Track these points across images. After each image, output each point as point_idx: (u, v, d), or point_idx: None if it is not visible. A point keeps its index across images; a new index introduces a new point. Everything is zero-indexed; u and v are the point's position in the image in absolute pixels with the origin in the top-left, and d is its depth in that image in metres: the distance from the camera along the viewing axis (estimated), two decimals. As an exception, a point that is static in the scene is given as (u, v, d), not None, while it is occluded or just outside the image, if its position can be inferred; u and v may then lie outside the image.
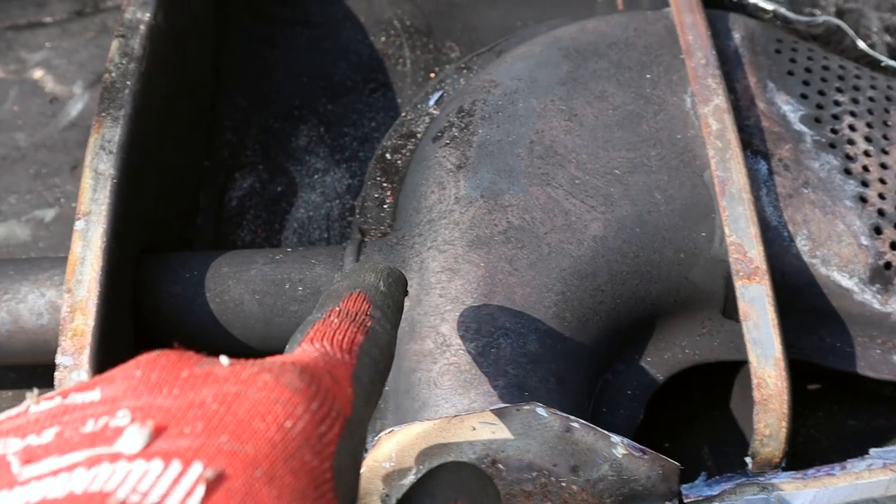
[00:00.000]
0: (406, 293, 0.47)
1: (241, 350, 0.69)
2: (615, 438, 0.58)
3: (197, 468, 0.28)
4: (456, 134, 0.73)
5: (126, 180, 0.67)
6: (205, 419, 0.30)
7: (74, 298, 0.62)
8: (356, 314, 0.41)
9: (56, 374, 0.61)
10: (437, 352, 0.64)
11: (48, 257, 0.71)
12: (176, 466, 0.28)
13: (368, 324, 0.41)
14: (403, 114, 0.81)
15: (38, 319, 0.67)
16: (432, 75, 0.96)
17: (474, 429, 0.58)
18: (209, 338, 0.69)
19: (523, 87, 0.74)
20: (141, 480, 0.27)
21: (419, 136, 0.79)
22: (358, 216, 0.75)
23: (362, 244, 0.70)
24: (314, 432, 0.32)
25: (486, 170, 0.70)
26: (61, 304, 0.67)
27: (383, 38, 0.98)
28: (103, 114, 0.69)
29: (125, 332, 0.67)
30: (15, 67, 0.97)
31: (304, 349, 0.38)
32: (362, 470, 0.59)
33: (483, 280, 0.65)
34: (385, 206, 0.76)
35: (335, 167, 0.90)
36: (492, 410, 0.59)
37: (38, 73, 0.97)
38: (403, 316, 0.67)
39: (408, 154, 0.78)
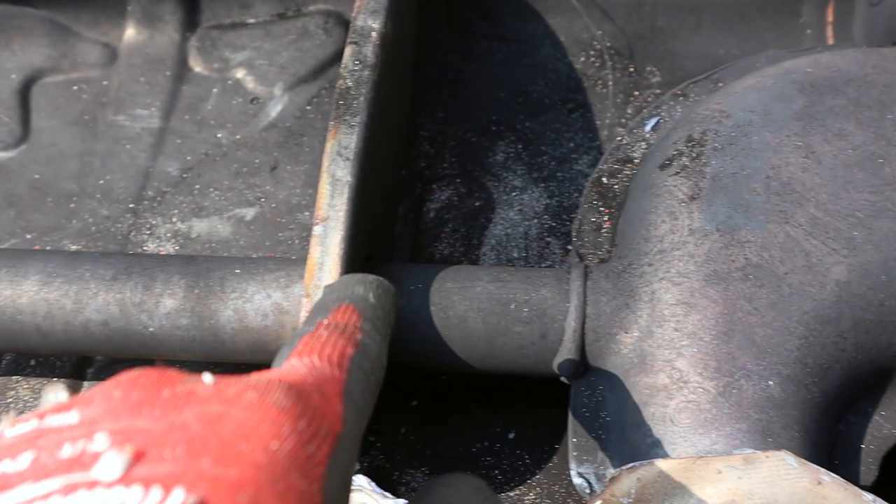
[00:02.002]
0: (396, 305, 0.44)
1: (459, 367, 0.68)
2: (868, 497, 0.55)
3: (178, 495, 0.26)
4: (686, 163, 0.71)
5: (359, 187, 0.67)
6: (187, 442, 0.29)
7: (313, 304, 0.62)
8: (346, 326, 0.39)
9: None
10: (672, 387, 0.62)
11: (274, 258, 0.71)
12: (156, 493, 0.26)
13: (358, 336, 0.39)
14: (619, 138, 0.79)
15: (263, 320, 0.68)
16: (633, 98, 0.94)
17: (720, 472, 0.56)
18: (429, 352, 0.68)
19: (757, 119, 0.72)
20: None
21: (636, 161, 0.77)
22: (575, 239, 0.74)
23: (587, 269, 0.69)
24: (302, 453, 0.30)
25: (721, 203, 0.68)
26: (287, 307, 0.68)
27: (582, 58, 0.97)
28: (339, 120, 0.69)
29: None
30: (218, 66, 0.99)
31: (293, 364, 0.36)
32: (598, 503, 0.57)
33: (721, 317, 0.63)
34: (603, 231, 0.74)
35: (533, 185, 0.89)
36: (740, 455, 0.57)
37: (240, 73, 0.98)
38: (631, 346, 0.65)
39: (625, 179, 0.77)
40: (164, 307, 0.68)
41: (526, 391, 0.75)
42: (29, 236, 0.87)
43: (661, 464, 0.57)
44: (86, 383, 0.78)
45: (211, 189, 0.90)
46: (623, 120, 0.93)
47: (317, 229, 0.65)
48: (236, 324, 0.68)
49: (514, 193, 0.89)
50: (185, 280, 0.69)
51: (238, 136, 0.94)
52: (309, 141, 0.93)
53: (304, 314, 0.62)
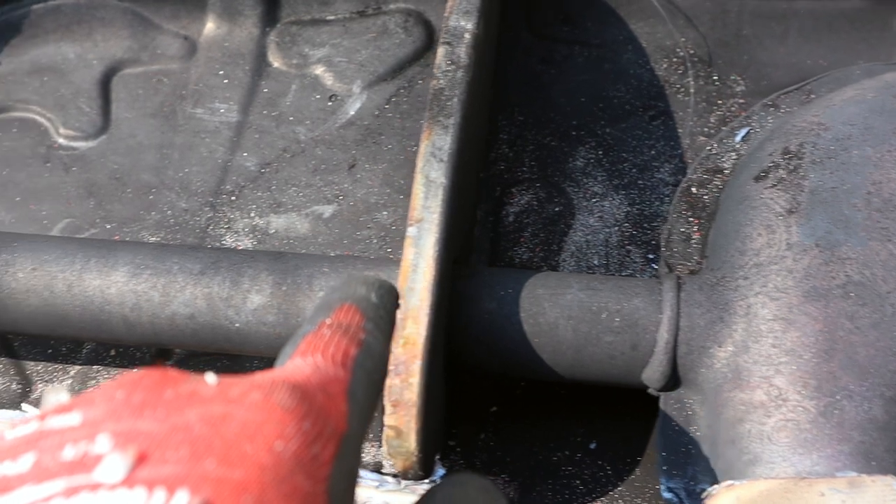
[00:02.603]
0: (398, 305, 0.44)
1: (546, 375, 0.68)
2: (976, 525, 0.54)
3: (182, 497, 0.26)
4: (784, 176, 0.70)
5: (453, 189, 0.66)
6: (190, 443, 0.28)
7: (407, 306, 0.61)
8: (348, 326, 0.38)
9: (388, 380, 0.60)
10: (770, 405, 0.60)
11: (361, 257, 0.71)
12: (160, 496, 0.26)
13: (361, 336, 0.38)
14: (708, 147, 0.78)
15: (351, 320, 0.67)
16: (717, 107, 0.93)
17: (823, 495, 0.55)
18: (517, 359, 0.67)
19: (857, 133, 0.71)
20: None
21: (726, 171, 0.76)
22: (664, 249, 0.73)
23: (680, 281, 0.68)
24: (307, 454, 0.30)
25: (821, 218, 0.66)
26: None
27: (665, 65, 0.96)
28: (433, 121, 0.69)
29: (441, 343, 0.66)
30: (297, 62, 0.99)
31: (296, 364, 0.36)
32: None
33: (822, 335, 0.62)
34: (692, 242, 0.73)
35: (613, 192, 0.88)
36: (844, 478, 0.55)
37: (318, 69, 0.98)
38: (724, 361, 0.64)
39: (715, 190, 0.75)
40: (252, 303, 0.68)
41: (606, 400, 0.74)
42: (109, 226, 0.88)
43: (761, 483, 0.56)
44: (164, 376, 0.78)
45: (289, 185, 0.90)
46: (705, 129, 0.91)
47: (411, 230, 0.64)
48: (323, 322, 0.67)
49: (593, 200, 0.88)
50: (273, 277, 0.69)
51: (316, 133, 0.94)
52: (387, 140, 0.93)
53: (398, 317, 0.61)
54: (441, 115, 0.69)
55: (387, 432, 0.61)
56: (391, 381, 0.60)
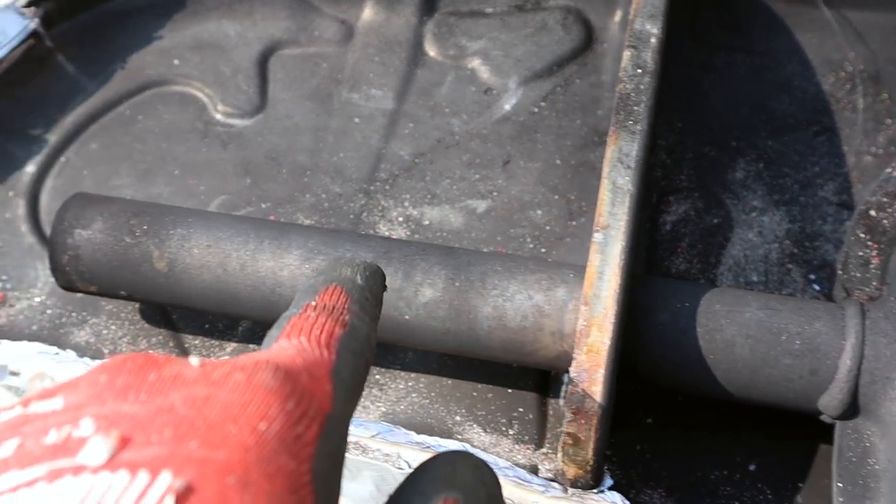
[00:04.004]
0: (385, 287, 0.43)
1: (716, 393, 0.66)
2: None
3: (165, 478, 0.26)
4: (979, 206, 0.67)
5: (639, 196, 0.65)
6: (173, 425, 0.28)
7: (592, 313, 0.61)
8: (333, 308, 0.38)
9: (564, 387, 0.59)
10: (965, 445, 0.58)
11: (533, 258, 0.70)
12: (143, 477, 0.26)
13: (347, 317, 0.38)
14: (889, 170, 0.75)
15: (522, 321, 0.67)
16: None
17: None
18: (689, 374, 0.66)
19: None
20: (105, 494, 0.25)
21: (908, 196, 0.73)
22: (841, 272, 0.71)
23: (864, 307, 0.66)
24: (290, 433, 0.30)
25: None
26: (548, 310, 0.66)
27: (832, 80, 0.93)
28: (620, 126, 0.68)
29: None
30: (453, 53, 0.98)
31: (281, 346, 0.35)
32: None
33: None
34: (871, 267, 0.71)
35: (773, 208, 0.86)
36: None
37: (475, 62, 0.97)
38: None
39: (895, 215, 0.73)
40: (423, 297, 0.68)
41: (768, 421, 0.72)
42: (264, 205, 0.89)
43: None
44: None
45: (443, 177, 0.90)
46: (872, 148, 0.89)
47: (597, 237, 0.63)
48: (494, 321, 0.67)
49: (752, 214, 0.86)
50: (446, 272, 0.68)
51: (471, 127, 0.93)
52: (542, 138, 0.92)
53: (582, 324, 0.61)
54: (628, 121, 0.68)
55: (564, 440, 0.60)
56: (573, 389, 0.60)
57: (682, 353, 0.66)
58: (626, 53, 0.72)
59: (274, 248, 0.70)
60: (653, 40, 0.72)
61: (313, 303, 0.39)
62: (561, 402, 0.75)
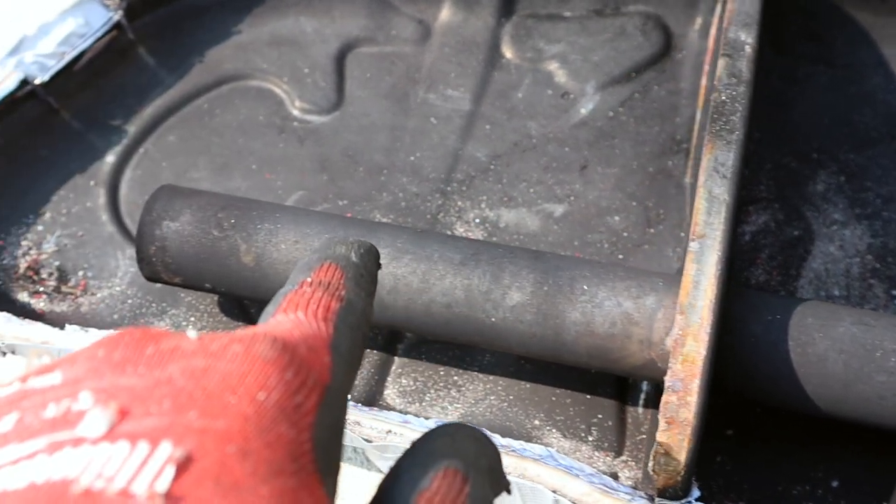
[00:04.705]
0: (379, 265, 0.43)
1: (805, 408, 0.66)
2: None
3: (165, 448, 0.26)
4: None
5: (734, 206, 0.65)
6: (172, 396, 0.28)
7: (688, 322, 0.60)
8: (329, 284, 0.38)
9: (665, 397, 0.59)
10: None
11: (623, 266, 0.70)
12: (143, 448, 0.26)
13: (343, 292, 0.38)
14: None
15: (611, 328, 0.66)
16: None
17: None
18: (779, 387, 0.65)
19: None
20: (106, 465, 0.25)
21: None
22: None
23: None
24: (290, 403, 0.30)
25: None
26: (637, 318, 0.66)
27: (915, 94, 0.92)
28: (715, 135, 0.67)
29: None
30: (531, 56, 0.98)
31: (278, 320, 0.35)
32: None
33: None
34: (963, 286, 0.70)
35: (855, 222, 0.85)
36: None
37: (552, 66, 0.97)
38: None
39: None
40: (511, 300, 0.68)
41: (851, 436, 0.71)
42: (341, 203, 0.89)
43: None
44: (396, 358, 0.79)
45: (520, 180, 0.90)
46: (957, 165, 0.88)
47: (693, 246, 0.63)
48: (582, 327, 0.67)
49: (833, 227, 0.85)
50: (534, 275, 0.68)
51: (548, 130, 0.93)
52: (620, 144, 0.92)
53: (677, 332, 0.60)
54: (724, 130, 0.67)
55: (656, 448, 0.60)
56: (667, 398, 0.59)
57: (773, 365, 0.65)
58: (721, 62, 0.71)
59: (361, 247, 0.71)
60: (747, 49, 0.72)
61: (309, 279, 0.39)
62: (639, 410, 0.75)
